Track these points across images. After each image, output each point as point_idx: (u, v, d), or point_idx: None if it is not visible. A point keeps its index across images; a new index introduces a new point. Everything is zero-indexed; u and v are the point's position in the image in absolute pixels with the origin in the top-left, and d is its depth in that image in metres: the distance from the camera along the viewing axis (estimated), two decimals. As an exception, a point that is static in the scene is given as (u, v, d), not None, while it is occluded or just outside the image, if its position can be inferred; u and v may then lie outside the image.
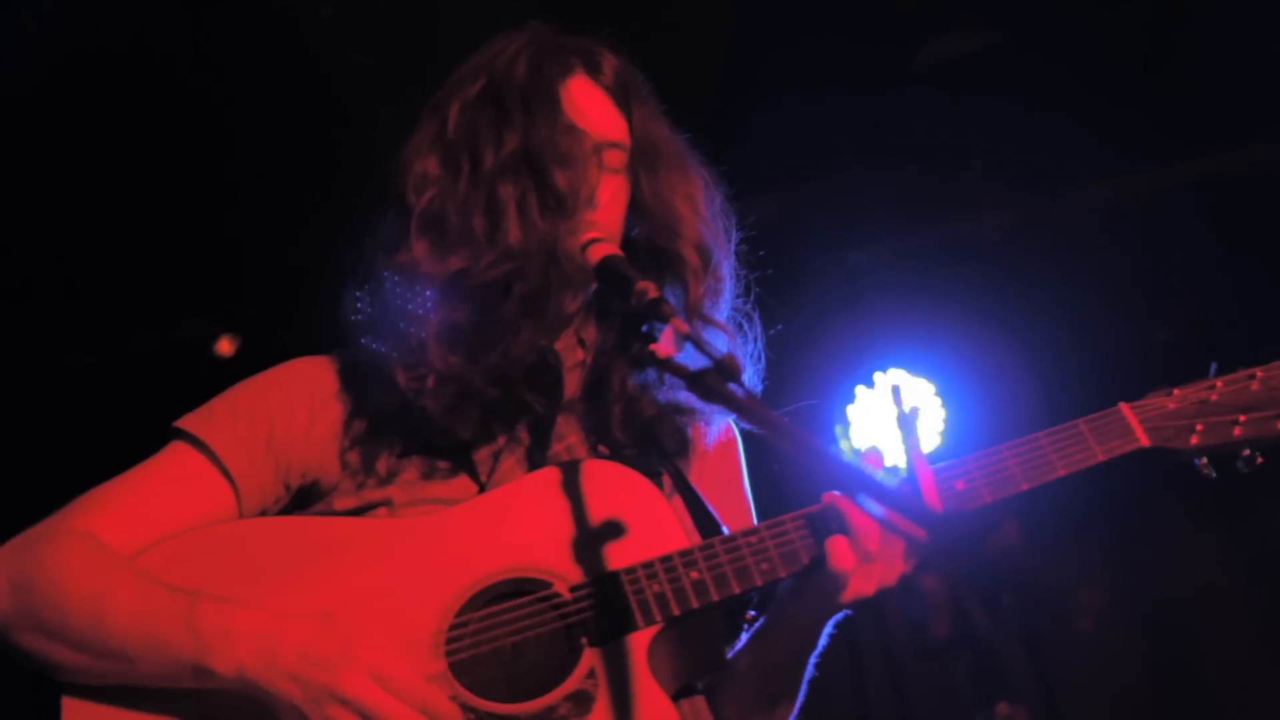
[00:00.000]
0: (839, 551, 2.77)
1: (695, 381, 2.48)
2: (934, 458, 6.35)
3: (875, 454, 2.96)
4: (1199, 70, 6.30)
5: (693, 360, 2.56)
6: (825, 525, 2.84)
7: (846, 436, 6.83)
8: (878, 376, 6.82)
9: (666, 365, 2.59)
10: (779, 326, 3.36)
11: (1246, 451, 3.05)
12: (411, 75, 3.38)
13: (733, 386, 2.45)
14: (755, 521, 3.25)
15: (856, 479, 2.04)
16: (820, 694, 3.13)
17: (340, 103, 5.76)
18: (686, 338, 2.56)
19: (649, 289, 2.65)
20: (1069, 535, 6.58)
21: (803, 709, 3.12)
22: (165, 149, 6.12)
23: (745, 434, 3.41)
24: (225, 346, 7.08)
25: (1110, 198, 6.90)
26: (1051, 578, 1.78)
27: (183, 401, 3.11)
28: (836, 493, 2.80)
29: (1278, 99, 6.38)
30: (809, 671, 3.05)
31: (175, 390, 3.26)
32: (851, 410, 6.83)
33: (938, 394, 6.78)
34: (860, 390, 6.85)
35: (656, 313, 2.62)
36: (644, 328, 2.68)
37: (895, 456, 6.41)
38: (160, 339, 6.97)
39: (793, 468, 2.43)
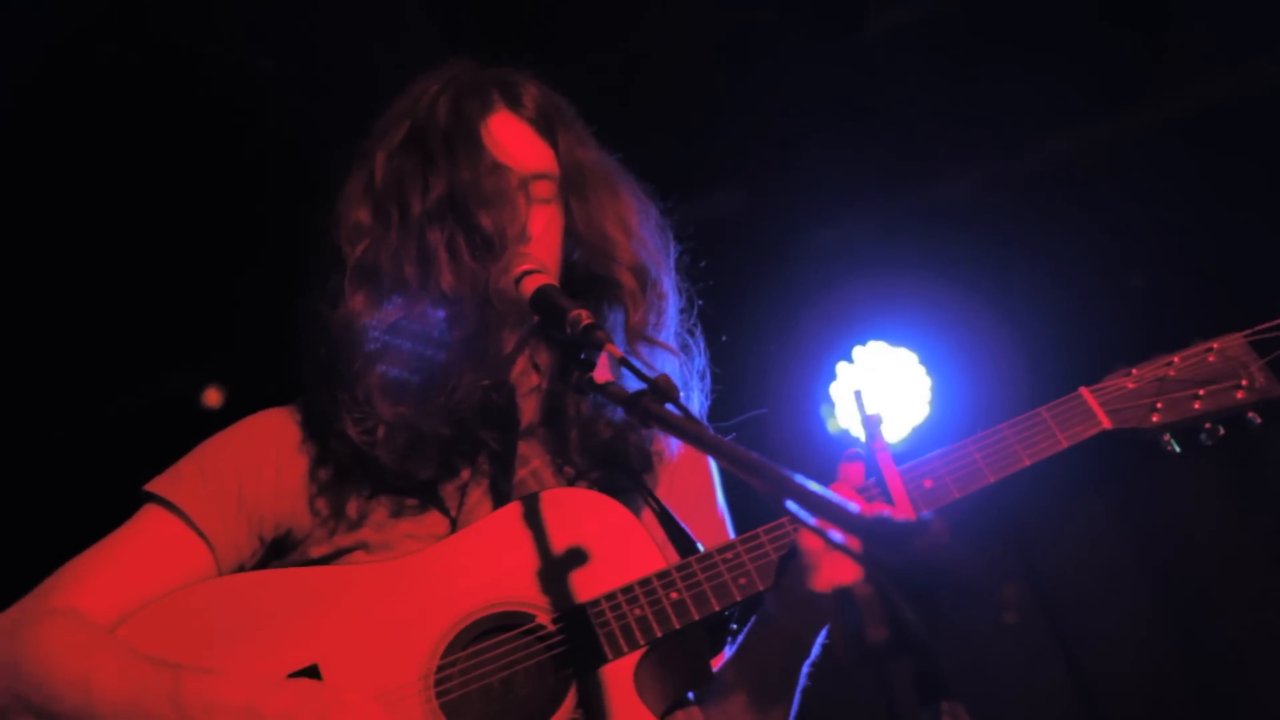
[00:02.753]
0: (808, 536, 2.78)
1: (632, 405, 2.52)
2: (924, 428, 6.46)
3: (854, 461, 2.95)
4: (1149, 10, 6.30)
5: (635, 382, 2.60)
6: (810, 530, 2.86)
7: (834, 415, 6.83)
8: (858, 351, 6.81)
9: (606, 391, 2.62)
10: (724, 338, 3.37)
11: (1209, 425, 3.09)
12: (359, 120, 3.39)
13: (669, 407, 2.48)
14: (731, 530, 3.28)
15: (792, 490, 2.06)
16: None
17: (295, 153, 5.77)
18: (622, 362, 2.59)
19: (582, 316, 2.68)
20: (998, 529, 6.67)
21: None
22: (124, 208, 6.12)
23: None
24: (212, 398, 7.08)
25: (1072, 149, 6.88)
26: (982, 573, 1.78)
27: (174, 456, 3.14)
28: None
29: (1229, 35, 6.37)
30: (802, 681, 3.05)
31: (166, 446, 3.27)
32: (835, 389, 6.83)
33: (921, 362, 6.77)
34: (842, 367, 6.83)
35: (591, 340, 2.64)
36: (581, 355, 2.69)
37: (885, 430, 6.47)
38: (144, 396, 6.96)
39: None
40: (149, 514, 3.05)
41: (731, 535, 3.25)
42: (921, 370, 6.77)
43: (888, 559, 1.85)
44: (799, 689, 3.06)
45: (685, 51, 6.13)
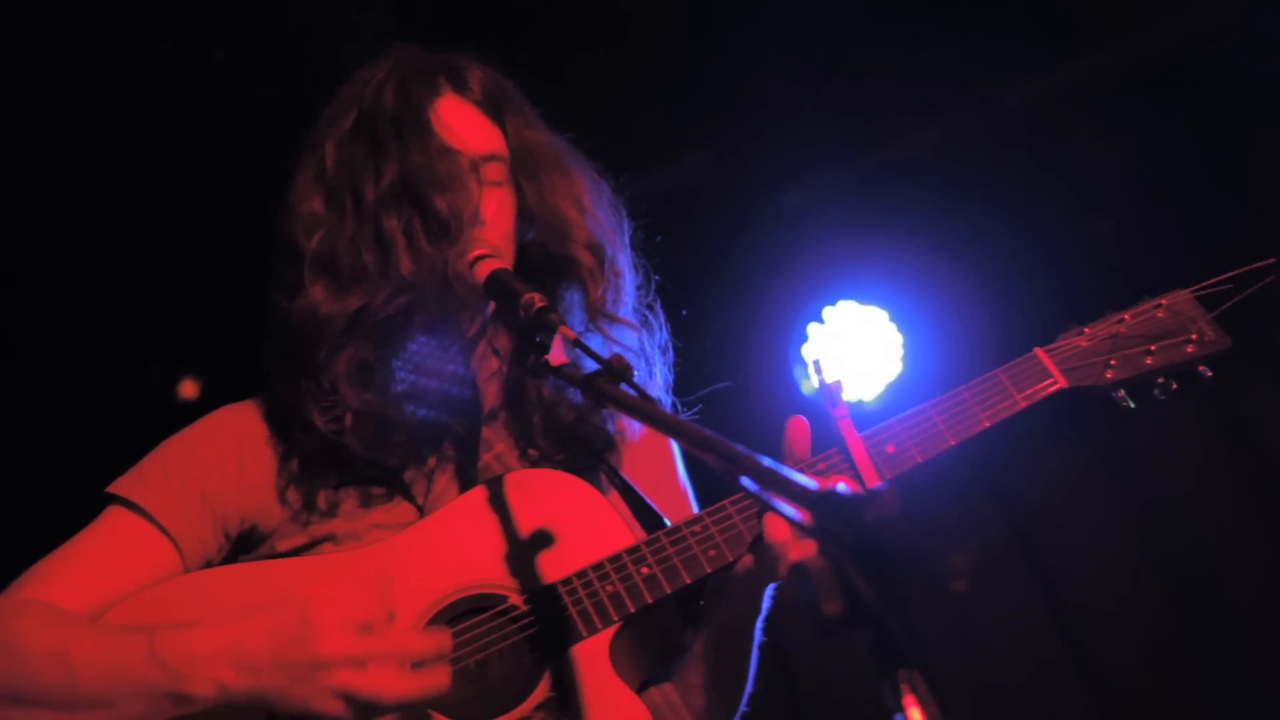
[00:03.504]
0: (775, 524, 2.81)
1: (586, 387, 2.53)
2: (898, 385, 6.47)
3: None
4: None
5: (592, 363, 2.61)
6: (764, 505, 2.89)
7: (808, 376, 6.84)
8: (828, 312, 6.82)
9: (561, 373, 2.64)
10: (684, 312, 3.38)
11: (1161, 379, 3.16)
12: (316, 108, 3.39)
13: (624, 387, 2.49)
14: (694, 505, 3.31)
15: (746, 466, 2.08)
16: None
17: (249, 143, 5.76)
18: (575, 343, 2.61)
19: (535, 300, 2.69)
20: (978, 476, 6.71)
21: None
22: (90, 203, 6.11)
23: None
24: (188, 390, 7.08)
25: (1033, 98, 6.87)
26: (931, 542, 1.80)
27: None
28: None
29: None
30: (758, 637, 3.09)
31: (146, 440, 3.27)
32: (807, 351, 6.84)
33: (892, 319, 6.79)
34: (813, 329, 6.85)
35: (545, 323, 2.66)
36: (537, 338, 2.71)
37: (854, 388, 6.48)
38: (121, 392, 6.96)
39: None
40: (113, 515, 3.05)
41: (695, 508, 3.29)
42: (893, 327, 6.79)
43: (839, 532, 1.87)
44: (756, 644, 3.10)
45: (648, 12, 6.11)
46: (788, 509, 1.97)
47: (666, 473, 3.35)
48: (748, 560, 2.91)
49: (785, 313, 6.91)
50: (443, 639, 2.65)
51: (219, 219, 5.86)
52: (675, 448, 3.41)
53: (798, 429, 2.99)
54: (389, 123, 3.11)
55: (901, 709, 1.82)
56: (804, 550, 2.77)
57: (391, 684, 2.59)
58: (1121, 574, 6.73)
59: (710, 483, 3.35)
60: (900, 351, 6.76)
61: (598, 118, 3.46)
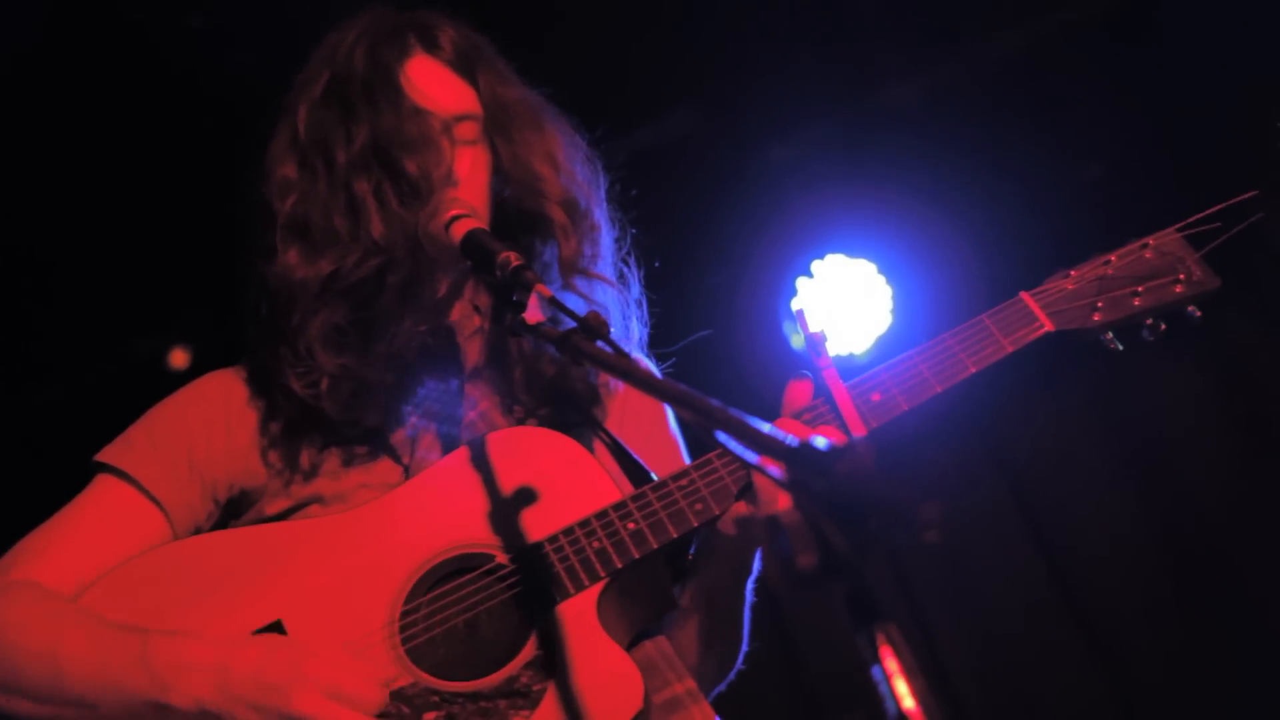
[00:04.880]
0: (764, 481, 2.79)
1: (563, 344, 2.52)
2: (887, 337, 6.46)
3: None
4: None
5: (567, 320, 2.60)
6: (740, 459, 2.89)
7: (797, 332, 6.83)
8: (816, 266, 6.81)
9: (538, 332, 2.63)
10: (656, 263, 3.37)
11: (1150, 321, 3.12)
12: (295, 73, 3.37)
13: (600, 344, 2.48)
14: (686, 456, 3.30)
15: (721, 420, 2.07)
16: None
17: (232, 110, 5.73)
18: (551, 302, 2.60)
19: (510, 258, 2.68)
20: (970, 424, 6.71)
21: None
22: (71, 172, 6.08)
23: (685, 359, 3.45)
24: (179, 359, 7.07)
25: (1017, 46, 6.85)
26: (903, 493, 1.79)
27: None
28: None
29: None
30: (749, 598, 3.09)
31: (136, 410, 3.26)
32: (794, 303, 6.82)
33: (880, 272, 6.78)
34: (802, 283, 6.84)
35: (521, 281, 2.65)
36: (514, 296, 2.70)
37: (844, 342, 6.47)
38: (114, 362, 6.95)
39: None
40: (102, 484, 3.05)
41: (686, 459, 3.28)
42: (881, 280, 6.78)
43: (813, 484, 1.86)
44: (747, 605, 3.10)
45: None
46: (761, 462, 1.96)
47: (657, 424, 3.33)
48: (736, 513, 2.91)
49: (773, 267, 6.90)
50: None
51: (203, 187, 5.86)
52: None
53: (798, 390, 2.97)
54: (360, 85, 3.10)
55: (879, 661, 1.81)
56: (780, 503, 2.73)
57: None
58: (1116, 519, 6.75)
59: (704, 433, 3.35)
60: (889, 304, 6.75)
61: (581, 73, 3.43)
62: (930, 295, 6.61)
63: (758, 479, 2.79)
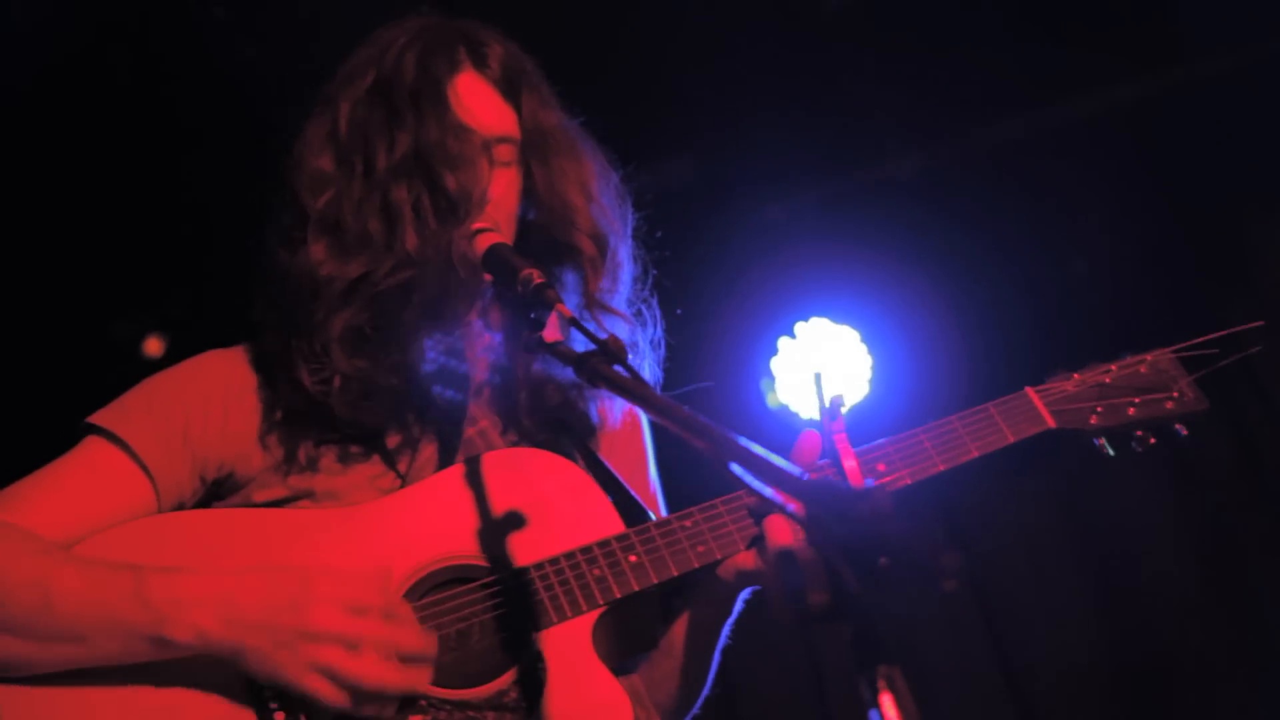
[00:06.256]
0: (778, 529, 2.82)
1: (580, 365, 2.53)
2: (864, 406, 6.47)
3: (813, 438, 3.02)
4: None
5: (583, 344, 2.62)
6: (759, 515, 2.92)
7: (774, 390, 6.87)
8: (799, 327, 6.83)
9: (554, 350, 2.63)
10: (679, 311, 3.39)
11: (1140, 432, 3.27)
12: (313, 69, 3.37)
13: (617, 368, 2.50)
14: (662, 504, 3.33)
15: (737, 454, 2.09)
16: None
17: (244, 99, 5.74)
18: (571, 322, 2.61)
19: (533, 275, 2.69)
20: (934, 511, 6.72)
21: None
22: (73, 154, 6.07)
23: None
24: (153, 346, 7.05)
25: (1019, 134, 6.94)
26: (925, 541, 1.83)
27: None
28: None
29: (1178, 28, 6.44)
30: (723, 640, 3.11)
31: (106, 392, 3.24)
32: (776, 363, 6.85)
33: (862, 340, 6.80)
34: (784, 342, 6.86)
35: (542, 299, 2.66)
36: (532, 314, 2.71)
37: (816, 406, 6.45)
38: (87, 342, 6.91)
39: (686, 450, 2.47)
40: (92, 445, 2.99)
41: (662, 508, 3.31)
42: (863, 349, 6.80)
43: (831, 524, 1.88)
44: (719, 648, 3.13)
45: (639, 21, 6.13)
46: (779, 498, 1.98)
47: (638, 469, 3.36)
48: (736, 561, 2.94)
49: (757, 323, 6.92)
50: (431, 640, 2.68)
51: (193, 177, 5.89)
52: (649, 445, 3.43)
53: (809, 442, 3.01)
54: (407, 92, 3.10)
55: (877, 705, 1.83)
56: (794, 538, 2.78)
57: (374, 671, 2.61)
58: (1075, 635, 6.74)
59: (682, 483, 3.38)
60: (869, 374, 6.77)
61: (584, 108, 3.45)
62: (910, 370, 6.65)
63: (773, 527, 2.81)
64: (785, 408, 6.81)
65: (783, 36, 6.50)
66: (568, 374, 3.14)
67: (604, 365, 2.50)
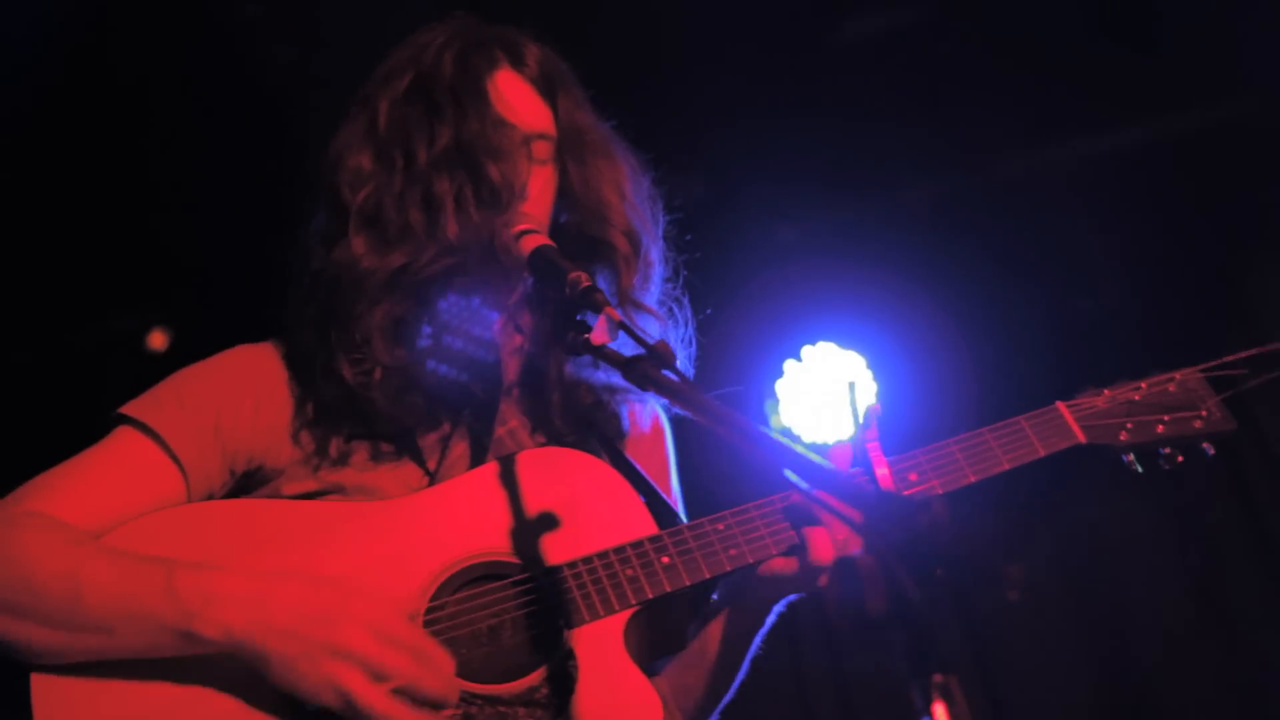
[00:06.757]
0: (820, 543, 2.87)
1: (630, 368, 2.54)
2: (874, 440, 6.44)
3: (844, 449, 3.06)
4: (1117, 42, 6.38)
5: (627, 348, 2.63)
6: (793, 514, 2.95)
7: (777, 411, 6.87)
8: (806, 350, 6.85)
9: (602, 353, 2.64)
10: (709, 311, 3.41)
11: (1168, 450, 3.28)
12: (341, 68, 3.39)
13: (667, 373, 2.51)
14: (681, 511, 3.32)
15: (792, 461, 2.10)
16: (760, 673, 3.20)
17: (264, 95, 5.75)
18: (620, 326, 2.61)
19: (581, 278, 2.69)
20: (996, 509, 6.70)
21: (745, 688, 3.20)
22: (92, 144, 6.07)
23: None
24: (157, 340, 7.04)
25: (1034, 169, 6.98)
26: (981, 551, 1.84)
27: (115, 395, 3.08)
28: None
29: (1193, 74, 6.48)
30: (753, 649, 3.13)
31: (109, 385, 3.24)
32: (780, 385, 6.86)
33: (869, 366, 6.82)
34: (789, 365, 6.87)
35: (590, 302, 2.67)
36: (578, 317, 2.72)
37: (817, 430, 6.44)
38: (91, 334, 6.91)
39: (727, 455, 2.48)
40: (123, 436, 3.00)
41: (682, 516, 3.30)
42: (869, 375, 6.81)
43: (891, 533, 1.89)
44: (749, 657, 3.14)
45: (659, 43, 6.15)
46: (838, 507, 1.99)
47: (660, 474, 3.36)
48: (774, 567, 2.95)
49: (764, 344, 6.92)
50: (453, 689, 2.68)
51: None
52: (671, 452, 3.44)
53: (839, 455, 3.05)
54: (447, 89, 3.12)
55: (929, 713, 1.83)
56: (852, 547, 2.84)
57: (388, 707, 2.60)
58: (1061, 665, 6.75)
59: (702, 492, 3.40)
60: (873, 400, 6.74)
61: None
62: (914, 398, 6.64)
63: (815, 539, 2.87)
64: (789, 430, 6.82)
65: (806, 61, 6.52)
66: (599, 376, 3.20)
67: (654, 370, 2.51)
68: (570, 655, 2.81)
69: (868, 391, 6.74)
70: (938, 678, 1.84)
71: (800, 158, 6.70)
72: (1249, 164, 6.49)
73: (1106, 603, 6.80)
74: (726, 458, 3.53)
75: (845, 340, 6.85)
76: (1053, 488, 6.23)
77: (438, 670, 2.66)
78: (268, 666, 2.63)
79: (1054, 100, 6.55)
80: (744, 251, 6.91)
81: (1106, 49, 6.37)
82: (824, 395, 6.75)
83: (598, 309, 2.65)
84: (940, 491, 3.05)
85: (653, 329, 3.25)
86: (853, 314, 6.85)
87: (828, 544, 2.86)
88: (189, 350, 3.22)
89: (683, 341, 3.37)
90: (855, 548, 2.84)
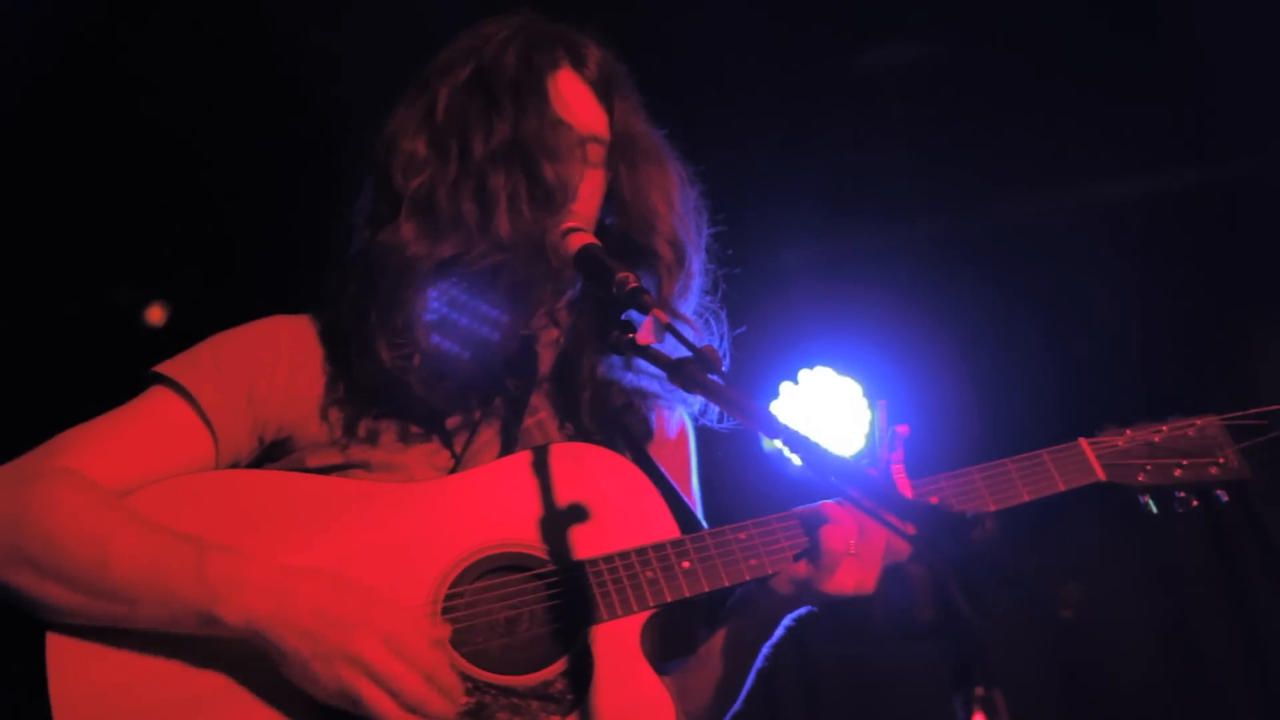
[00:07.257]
0: (834, 534, 2.91)
1: (676, 371, 2.57)
2: (859, 459, 6.44)
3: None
4: (1133, 89, 6.43)
5: (671, 351, 2.66)
6: (811, 526, 2.98)
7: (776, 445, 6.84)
8: (804, 374, 6.86)
9: (647, 354, 2.67)
10: (743, 328, 3.44)
11: (1183, 494, 3.34)
12: (351, 47, 3.40)
13: (713, 377, 2.54)
14: (701, 516, 3.34)
15: (842, 470, 2.13)
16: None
17: (273, 74, 5.74)
18: (668, 328, 2.64)
19: (629, 279, 2.73)
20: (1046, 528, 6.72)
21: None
22: (99, 120, 6.06)
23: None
24: (155, 315, 7.03)
25: (1041, 209, 7.02)
26: (1031, 568, 1.88)
27: (112, 368, 3.12)
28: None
29: (1207, 124, 6.54)
30: (759, 661, 3.14)
31: (105, 357, 3.24)
32: (776, 407, 6.86)
33: (865, 395, 6.83)
34: (786, 387, 6.88)
35: (637, 303, 2.71)
36: (624, 316, 2.75)
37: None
38: (89, 306, 6.89)
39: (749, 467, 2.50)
40: (157, 395, 3.01)
41: (703, 522, 3.32)
42: (865, 403, 6.82)
43: (943, 545, 1.93)
44: (756, 668, 3.16)
45: (669, 64, 6.16)
46: (890, 520, 2.02)
47: (681, 480, 3.38)
48: (790, 570, 2.98)
49: (761, 366, 6.93)
50: (453, 707, 2.71)
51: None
52: (694, 459, 3.47)
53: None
54: (507, 84, 3.13)
55: (970, 722, 1.86)
56: (848, 574, 2.88)
57: (392, 714, 2.65)
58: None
59: (724, 499, 3.42)
60: (868, 428, 6.77)
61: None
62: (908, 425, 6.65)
63: (829, 532, 2.90)
64: (779, 453, 6.79)
65: (819, 87, 6.56)
66: (630, 379, 3.22)
67: (700, 373, 2.54)
68: (587, 652, 2.84)
69: (863, 418, 6.76)
70: (979, 690, 1.88)
71: (808, 181, 6.73)
72: (1256, 219, 6.55)
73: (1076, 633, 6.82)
74: (748, 470, 3.58)
75: (843, 367, 6.85)
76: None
77: (444, 694, 2.70)
78: (283, 660, 2.67)
79: (1064, 143, 6.59)
80: (745, 271, 6.92)
81: (1121, 97, 6.42)
82: (819, 419, 6.75)
83: (645, 310, 2.68)
84: None
85: (689, 336, 3.27)
86: (852, 341, 6.85)
87: (840, 534, 2.90)
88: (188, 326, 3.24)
89: (719, 352, 3.38)
90: (903, 555, 2.87)
